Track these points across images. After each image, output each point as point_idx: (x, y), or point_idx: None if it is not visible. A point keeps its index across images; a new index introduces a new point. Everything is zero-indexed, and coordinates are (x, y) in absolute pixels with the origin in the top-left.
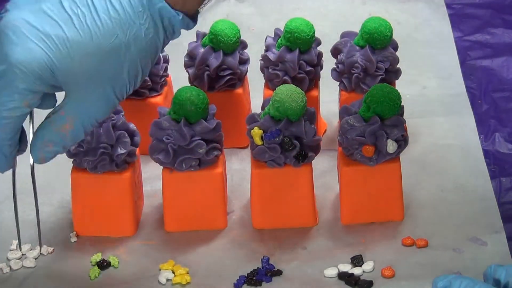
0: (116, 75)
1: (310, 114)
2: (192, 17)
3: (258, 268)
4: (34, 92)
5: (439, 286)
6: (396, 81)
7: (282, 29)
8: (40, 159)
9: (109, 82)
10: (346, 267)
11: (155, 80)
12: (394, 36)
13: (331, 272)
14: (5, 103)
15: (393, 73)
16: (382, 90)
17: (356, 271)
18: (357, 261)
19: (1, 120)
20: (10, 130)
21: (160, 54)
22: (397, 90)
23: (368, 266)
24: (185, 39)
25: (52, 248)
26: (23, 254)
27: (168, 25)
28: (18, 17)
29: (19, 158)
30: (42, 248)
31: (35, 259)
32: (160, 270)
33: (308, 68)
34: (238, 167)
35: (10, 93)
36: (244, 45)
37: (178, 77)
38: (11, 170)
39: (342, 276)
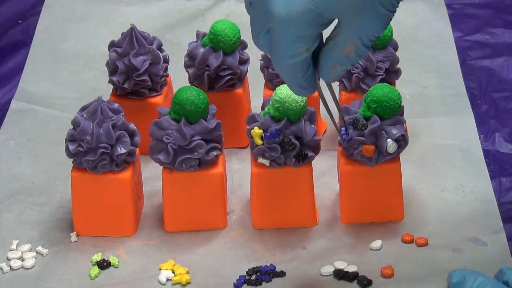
0: None
1: (310, 114)
2: None
3: (258, 266)
4: (309, 36)
5: (454, 281)
6: (396, 81)
7: None
8: (332, 78)
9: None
10: (342, 265)
11: (155, 80)
12: (394, 36)
13: (328, 269)
14: (285, 52)
15: (393, 73)
16: (382, 90)
17: (351, 269)
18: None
19: (288, 67)
20: (299, 72)
21: (160, 54)
22: (397, 90)
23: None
24: (185, 39)
25: (47, 250)
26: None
27: None
28: None
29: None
30: (37, 249)
31: (35, 259)
32: (160, 270)
33: None
34: (238, 167)
35: (286, 44)
36: (244, 45)
37: (178, 77)
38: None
39: (337, 273)
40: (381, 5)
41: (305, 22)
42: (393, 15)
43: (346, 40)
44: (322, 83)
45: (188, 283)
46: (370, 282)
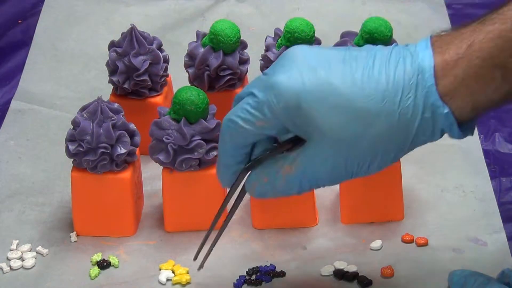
0: (355, 144)
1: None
2: (462, 125)
3: (258, 266)
4: (273, 118)
5: (454, 281)
6: None
7: (282, 29)
8: (249, 190)
9: (345, 147)
10: (342, 265)
11: (155, 80)
12: (394, 36)
13: (327, 269)
14: (242, 110)
15: None
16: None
17: (352, 269)
18: None
19: (233, 128)
20: (237, 140)
21: (160, 54)
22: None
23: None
24: (185, 39)
25: (47, 250)
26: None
27: (429, 117)
28: (299, 48)
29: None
30: (37, 249)
31: (35, 259)
32: (160, 270)
33: None
34: None
35: (251, 102)
36: (244, 45)
37: (178, 77)
38: None
39: (337, 273)
40: (345, 161)
41: (283, 100)
42: (342, 180)
43: (294, 159)
44: None
45: (188, 283)
46: (370, 282)
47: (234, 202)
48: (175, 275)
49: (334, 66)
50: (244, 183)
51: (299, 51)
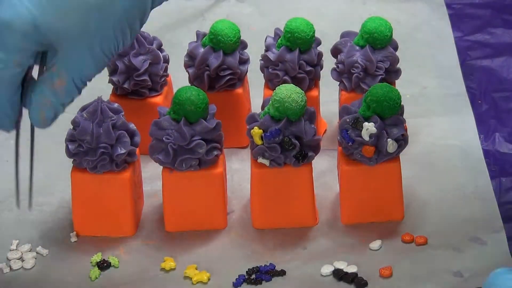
0: (101, 30)
1: (310, 114)
2: None
3: (258, 266)
4: (22, 50)
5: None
6: (396, 81)
7: (282, 29)
8: (40, 120)
9: (95, 38)
10: (342, 265)
11: (155, 80)
12: (394, 36)
13: (327, 269)
14: None
15: (393, 73)
16: (382, 90)
17: (351, 269)
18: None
19: None
20: (4, 88)
21: (160, 54)
22: (397, 90)
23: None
24: (185, 39)
25: (47, 250)
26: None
27: None
28: None
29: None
30: (37, 249)
31: (35, 259)
32: (160, 270)
33: (308, 68)
34: (238, 167)
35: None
36: (244, 45)
37: (178, 77)
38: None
39: (337, 273)
40: (100, 47)
41: (21, 32)
42: (108, 61)
43: (58, 72)
44: None
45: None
46: (366, 283)
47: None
48: (194, 276)
49: None
50: (30, 118)
51: None
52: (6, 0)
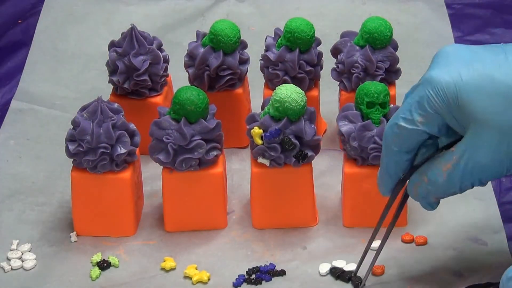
0: None
1: (310, 114)
2: None
3: (258, 266)
4: (434, 113)
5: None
6: (396, 81)
7: (282, 29)
8: (411, 191)
9: (506, 134)
10: (340, 263)
11: (155, 80)
12: (394, 36)
13: (325, 268)
14: (404, 111)
15: (393, 73)
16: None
17: (349, 267)
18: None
19: (396, 132)
20: (402, 143)
21: (160, 54)
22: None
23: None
24: (185, 39)
25: (46, 250)
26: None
27: None
28: (451, 47)
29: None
30: (37, 249)
31: (35, 259)
32: (161, 270)
33: (308, 68)
34: (238, 167)
35: (411, 101)
36: (244, 45)
37: (178, 77)
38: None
39: (334, 271)
40: (507, 146)
41: (441, 93)
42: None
43: (454, 155)
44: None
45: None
46: (360, 281)
47: (396, 212)
48: (194, 275)
49: (488, 58)
50: (406, 186)
51: (451, 49)
52: (442, 65)
